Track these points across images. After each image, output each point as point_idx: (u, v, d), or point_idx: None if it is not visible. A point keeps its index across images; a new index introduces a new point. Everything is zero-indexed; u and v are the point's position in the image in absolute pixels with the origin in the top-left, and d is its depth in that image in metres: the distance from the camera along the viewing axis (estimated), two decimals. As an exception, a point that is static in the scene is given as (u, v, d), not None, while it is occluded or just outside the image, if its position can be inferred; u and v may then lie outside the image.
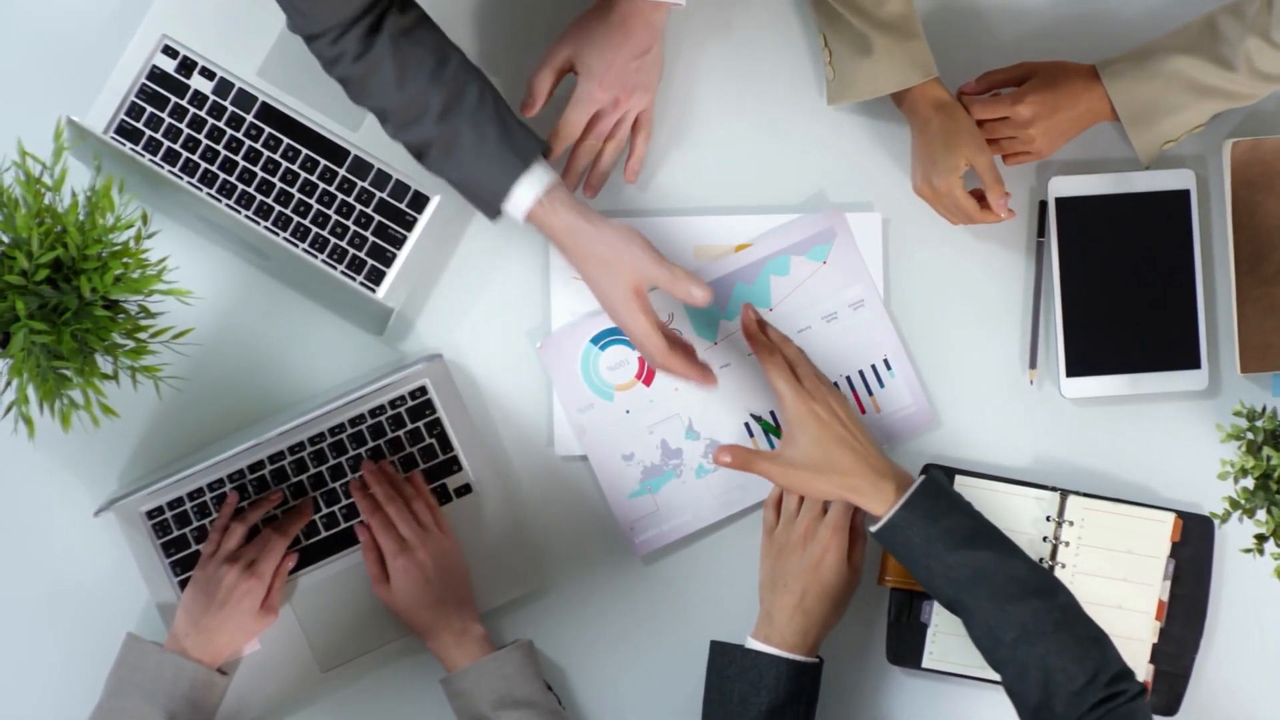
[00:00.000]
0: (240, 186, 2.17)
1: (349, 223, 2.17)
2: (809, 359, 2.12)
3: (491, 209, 2.06)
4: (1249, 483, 1.93)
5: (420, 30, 2.03)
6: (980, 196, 2.13)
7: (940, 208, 2.16)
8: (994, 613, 2.00)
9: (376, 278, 2.17)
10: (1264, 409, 1.94)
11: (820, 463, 2.07)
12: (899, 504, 2.04)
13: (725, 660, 2.10)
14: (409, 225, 2.17)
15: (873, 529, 2.06)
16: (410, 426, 2.17)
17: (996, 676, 2.09)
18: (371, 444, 2.17)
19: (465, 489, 2.18)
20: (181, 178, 2.16)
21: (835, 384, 2.19)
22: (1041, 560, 2.16)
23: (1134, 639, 2.16)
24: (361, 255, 2.17)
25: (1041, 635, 1.99)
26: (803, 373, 2.10)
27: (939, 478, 2.08)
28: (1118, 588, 2.17)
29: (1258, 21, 2.06)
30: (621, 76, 2.14)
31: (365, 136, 2.17)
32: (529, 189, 2.05)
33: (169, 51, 2.17)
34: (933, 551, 2.03)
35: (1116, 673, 1.98)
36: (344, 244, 2.17)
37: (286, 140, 2.17)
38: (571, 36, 2.16)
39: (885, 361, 2.20)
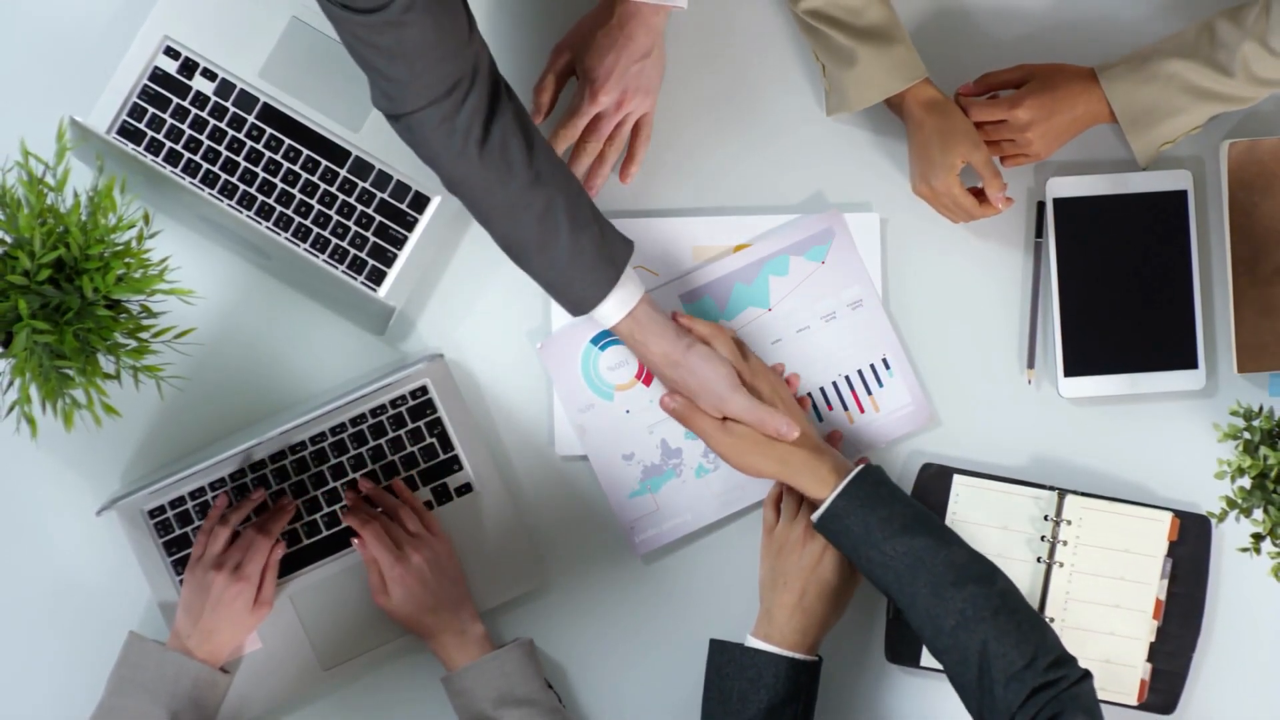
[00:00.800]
0: (242, 187, 2.17)
1: (350, 223, 2.18)
2: (745, 345, 2.15)
3: (578, 311, 2.07)
4: (1246, 482, 1.93)
5: (523, 128, 1.99)
6: (979, 193, 2.14)
7: (940, 207, 2.16)
8: (933, 600, 2.01)
9: (378, 278, 2.18)
10: (1260, 409, 1.94)
11: (761, 436, 2.08)
12: (837, 491, 2.05)
13: (725, 658, 2.10)
14: (410, 225, 2.18)
15: (813, 518, 2.07)
16: (411, 426, 2.18)
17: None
18: (372, 443, 2.17)
19: (465, 488, 2.18)
20: (183, 178, 2.17)
21: (834, 382, 2.20)
22: (1040, 560, 2.17)
23: (1132, 638, 2.17)
24: (363, 255, 2.18)
25: (981, 621, 1.99)
26: (745, 353, 2.12)
27: (877, 468, 2.09)
28: (1115, 587, 2.17)
29: (1256, 27, 2.06)
30: (623, 80, 2.14)
31: (366, 137, 2.17)
32: (619, 305, 2.06)
33: (171, 52, 2.17)
34: (871, 540, 2.03)
35: (1056, 658, 1.98)
36: (345, 244, 2.18)
37: (288, 141, 2.17)
38: (572, 40, 2.16)
39: (884, 361, 2.21)
